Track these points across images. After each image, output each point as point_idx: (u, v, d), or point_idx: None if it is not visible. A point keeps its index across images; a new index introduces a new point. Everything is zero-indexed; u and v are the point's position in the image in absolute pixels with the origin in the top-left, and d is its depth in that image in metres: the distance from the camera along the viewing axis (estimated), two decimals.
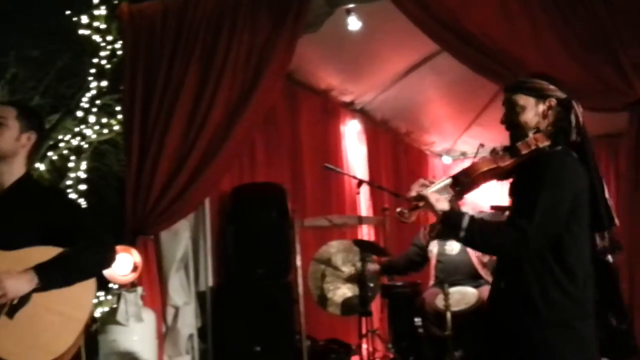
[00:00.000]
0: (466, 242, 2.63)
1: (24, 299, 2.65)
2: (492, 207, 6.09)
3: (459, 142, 9.26)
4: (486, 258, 5.61)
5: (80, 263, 2.77)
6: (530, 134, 2.69)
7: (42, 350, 2.64)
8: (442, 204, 2.60)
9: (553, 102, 2.71)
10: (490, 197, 8.30)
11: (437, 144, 9.46)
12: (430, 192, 2.62)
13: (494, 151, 2.76)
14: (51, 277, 2.69)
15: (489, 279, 5.42)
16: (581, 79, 4.74)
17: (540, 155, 2.65)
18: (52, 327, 2.66)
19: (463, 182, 2.66)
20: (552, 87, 2.73)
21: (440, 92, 7.92)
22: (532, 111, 2.71)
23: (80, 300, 2.75)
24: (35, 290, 2.66)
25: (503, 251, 2.62)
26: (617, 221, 2.75)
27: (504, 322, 2.66)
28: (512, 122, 2.75)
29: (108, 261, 2.93)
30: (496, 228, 2.63)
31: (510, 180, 2.77)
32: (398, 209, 2.68)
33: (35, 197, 2.88)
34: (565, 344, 2.55)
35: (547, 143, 2.68)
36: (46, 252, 2.74)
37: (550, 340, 2.54)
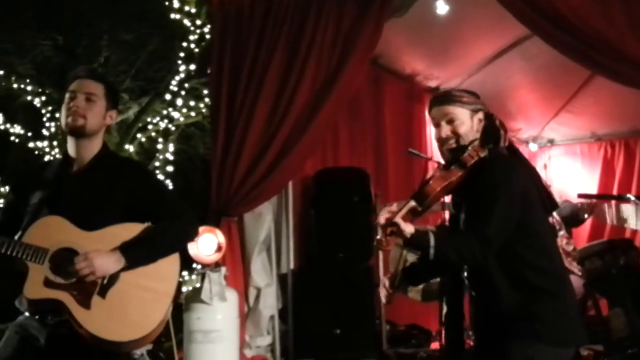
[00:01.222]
0: (437, 258, 2.64)
1: (114, 278, 2.72)
2: (580, 195, 5.95)
3: (547, 129, 9.02)
4: (570, 247, 5.47)
5: (164, 240, 2.82)
6: (470, 147, 2.75)
7: (135, 326, 2.71)
8: (409, 227, 2.63)
9: (482, 115, 2.83)
10: (577, 185, 8.13)
11: (523, 131, 9.24)
12: (399, 217, 2.62)
13: (439, 167, 2.82)
14: (136, 256, 2.75)
15: (574, 269, 5.30)
16: None
17: (484, 163, 2.73)
18: (143, 303, 2.73)
19: (424, 204, 2.70)
20: (479, 101, 2.86)
21: (529, 78, 7.74)
22: (469, 124, 2.80)
23: (166, 274, 2.81)
24: (122, 269, 2.73)
25: (473, 259, 2.64)
26: (559, 203, 2.96)
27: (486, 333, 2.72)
28: (455, 134, 2.79)
29: (191, 236, 2.98)
30: (460, 239, 2.69)
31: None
32: (377, 237, 2.66)
33: (116, 173, 2.91)
34: (550, 313, 2.62)
35: (485, 152, 2.76)
36: (130, 229, 2.80)
37: (536, 310, 2.61)
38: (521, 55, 7.13)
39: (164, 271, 2.81)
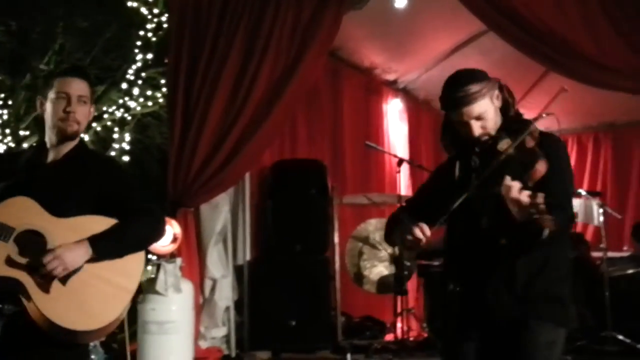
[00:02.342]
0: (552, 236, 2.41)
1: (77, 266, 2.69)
2: None
3: None
4: None
5: (133, 236, 2.80)
6: (528, 128, 2.64)
7: (91, 317, 2.68)
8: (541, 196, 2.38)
9: (497, 92, 2.73)
10: None
11: None
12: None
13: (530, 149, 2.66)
14: (105, 249, 2.72)
15: None
16: (631, 62, 4.64)
17: (545, 140, 2.68)
18: (103, 296, 2.70)
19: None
20: (489, 77, 2.76)
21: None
22: (494, 113, 2.71)
23: (130, 271, 2.79)
24: (88, 260, 2.70)
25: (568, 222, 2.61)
26: None
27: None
28: (486, 128, 2.69)
29: (159, 234, 2.95)
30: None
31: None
32: (544, 217, 2.31)
33: (91, 167, 2.89)
34: (568, 295, 2.69)
35: (537, 132, 2.69)
36: (99, 222, 2.77)
37: (559, 292, 2.67)
38: (478, 50, 7.20)
39: (129, 267, 2.79)
